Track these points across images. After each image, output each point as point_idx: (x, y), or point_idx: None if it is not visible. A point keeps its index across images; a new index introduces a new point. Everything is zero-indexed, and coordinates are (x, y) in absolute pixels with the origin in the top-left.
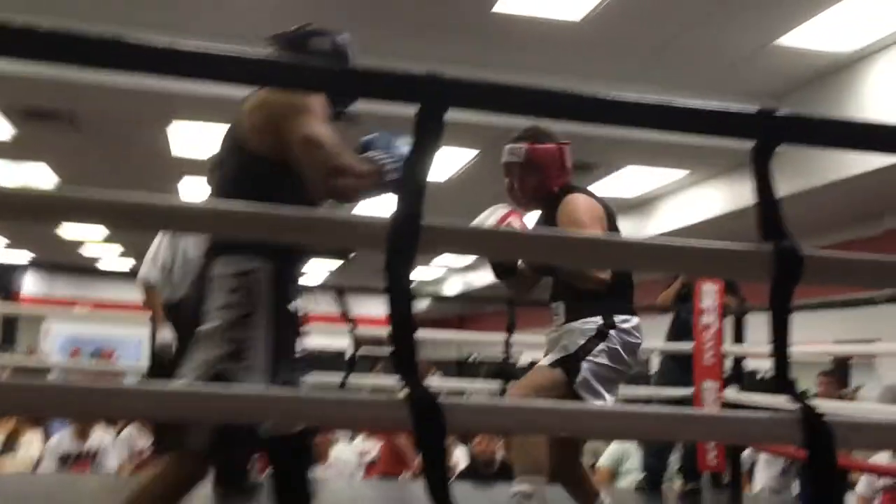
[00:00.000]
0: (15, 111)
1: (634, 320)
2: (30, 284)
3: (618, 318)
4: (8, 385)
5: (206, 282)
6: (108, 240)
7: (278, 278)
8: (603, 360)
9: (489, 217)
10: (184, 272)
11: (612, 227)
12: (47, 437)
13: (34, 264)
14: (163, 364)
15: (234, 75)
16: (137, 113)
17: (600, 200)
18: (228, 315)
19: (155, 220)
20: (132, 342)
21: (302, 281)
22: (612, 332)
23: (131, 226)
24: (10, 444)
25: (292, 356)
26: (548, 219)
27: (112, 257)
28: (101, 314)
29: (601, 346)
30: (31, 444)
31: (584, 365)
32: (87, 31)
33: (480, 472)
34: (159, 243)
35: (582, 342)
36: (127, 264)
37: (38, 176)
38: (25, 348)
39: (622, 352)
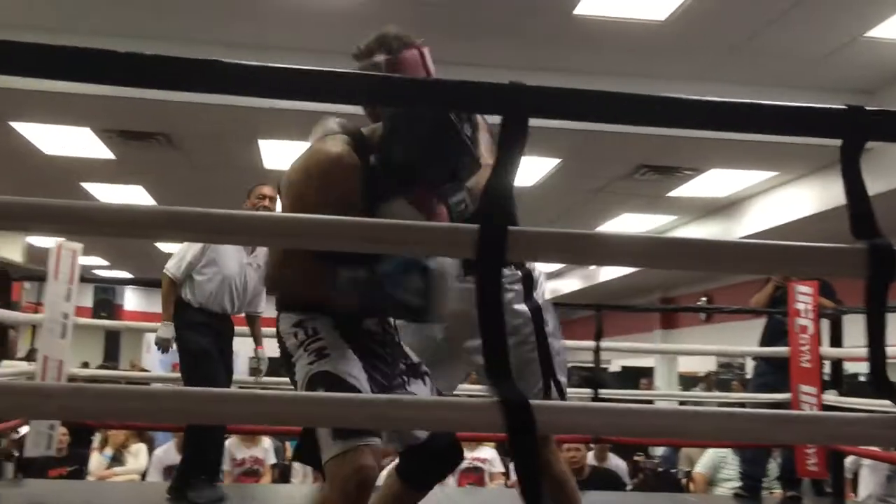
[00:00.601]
0: (110, 134)
1: None
2: (131, 300)
3: None
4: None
5: (280, 338)
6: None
7: (340, 323)
8: None
9: None
10: (213, 282)
11: None
12: (152, 449)
13: (134, 281)
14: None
15: (323, 93)
16: (230, 129)
17: None
18: (302, 343)
19: (254, 233)
20: None
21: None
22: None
23: (226, 240)
24: (119, 456)
25: (390, 370)
26: None
27: None
28: None
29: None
30: (139, 456)
31: None
32: (182, 57)
33: None
34: (196, 251)
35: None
36: None
37: (136, 198)
38: (129, 363)
39: None
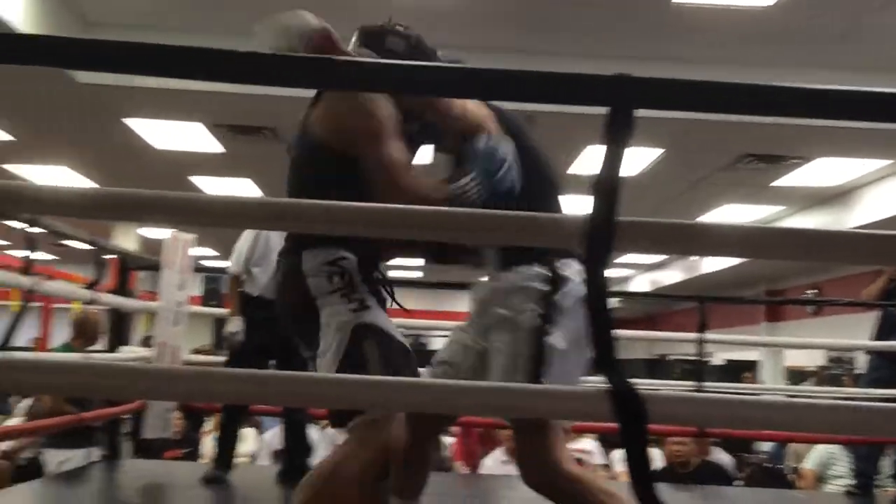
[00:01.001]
0: (221, 128)
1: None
2: None
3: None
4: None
5: (299, 278)
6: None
7: (361, 265)
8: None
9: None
10: (268, 272)
11: None
12: (260, 433)
13: None
14: (233, 352)
15: (436, 88)
16: None
17: None
18: (338, 289)
19: (370, 225)
20: None
21: (382, 270)
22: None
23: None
24: None
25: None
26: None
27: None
28: None
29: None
30: (247, 439)
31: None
32: (301, 56)
33: (676, 472)
34: (244, 239)
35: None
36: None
37: (245, 190)
38: None
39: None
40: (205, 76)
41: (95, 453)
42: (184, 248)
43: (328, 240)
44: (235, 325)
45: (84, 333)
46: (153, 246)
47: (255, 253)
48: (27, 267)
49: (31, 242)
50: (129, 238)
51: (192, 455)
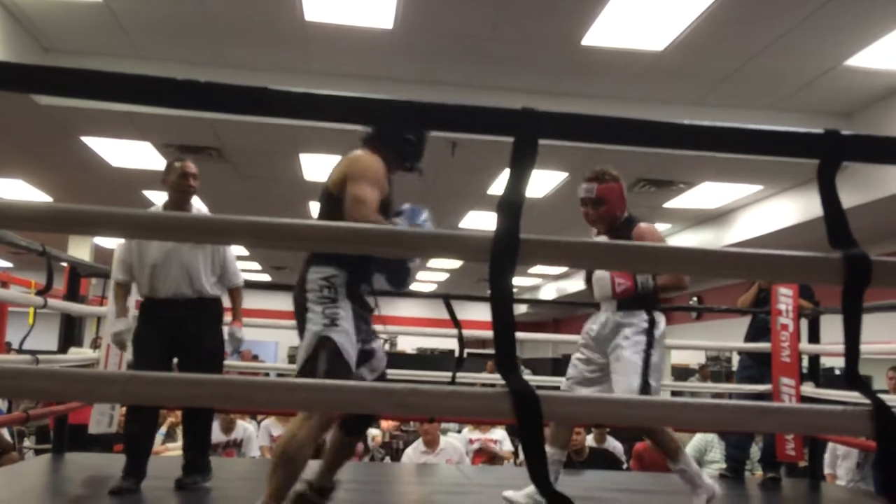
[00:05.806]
0: (169, 147)
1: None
2: None
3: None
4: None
5: (305, 283)
6: (248, 258)
7: (350, 281)
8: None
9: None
10: (145, 274)
11: None
12: None
13: None
14: (139, 351)
15: (354, 116)
16: (274, 144)
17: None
18: (323, 301)
19: (290, 240)
20: (269, 345)
21: (369, 281)
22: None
23: (271, 245)
24: (172, 433)
25: (367, 329)
26: (618, 238)
27: (251, 271)
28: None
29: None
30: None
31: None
32: (235, 84)
33: (572, 460)
34: (123, 249)
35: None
36: (264, 277)
37: None
38: None
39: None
40: (151, 102)
41: None
42: None
43: (328, 259)
44: (123, 324)
45: None
46: (106, 255)
47: (132, 255)
48: None
49: None
50: (84, 247)
51: None
